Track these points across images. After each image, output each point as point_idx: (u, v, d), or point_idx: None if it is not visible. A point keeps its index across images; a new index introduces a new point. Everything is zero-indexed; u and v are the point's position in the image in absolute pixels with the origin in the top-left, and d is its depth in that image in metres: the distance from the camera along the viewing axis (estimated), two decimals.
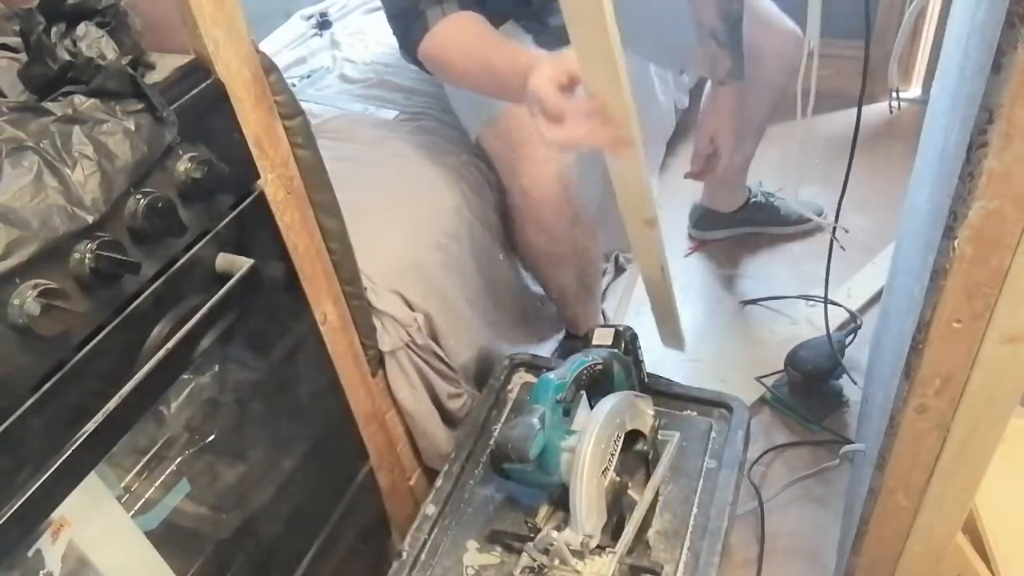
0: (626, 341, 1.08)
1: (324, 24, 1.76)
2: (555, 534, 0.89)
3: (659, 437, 1.01)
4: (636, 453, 0.96)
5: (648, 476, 0.98)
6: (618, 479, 0.92)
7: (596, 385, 1.01)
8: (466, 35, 1.15)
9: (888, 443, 0.82)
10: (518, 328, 1.46)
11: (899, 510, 0.88)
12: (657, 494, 0.99)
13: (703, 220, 1.92)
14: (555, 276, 1.41)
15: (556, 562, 0.90)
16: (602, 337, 1.08)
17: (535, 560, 0.91)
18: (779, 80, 1.55)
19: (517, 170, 1.26)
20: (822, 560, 1.30)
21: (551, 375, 0.96)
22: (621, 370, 1.04)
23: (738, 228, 1.92)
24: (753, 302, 1.77)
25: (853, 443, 1.31)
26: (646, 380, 1.12)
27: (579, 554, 0.89)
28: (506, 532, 0.98)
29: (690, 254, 1.92)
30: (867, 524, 0.93)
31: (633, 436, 0.97)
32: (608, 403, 0.94)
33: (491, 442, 1.10)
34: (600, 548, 0.90)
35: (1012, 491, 0.94)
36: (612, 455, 0.92)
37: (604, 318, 1.68)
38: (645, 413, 0.99)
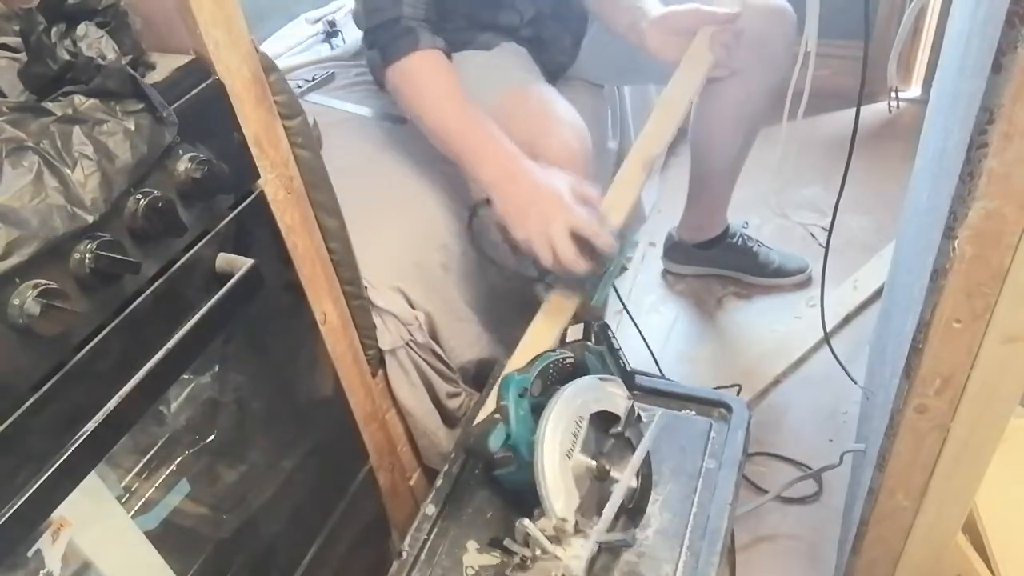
0: (595, 332, 1.08)
1: (332, 33, 1.76)
2: (527, 522, 0.88)
3: (641, 418, 1.00)
4: (619, 438, 0.95)
5: None
6: (594, 463, 0.92)
7: (571, 378, 1.01)
8: (434, 80, 1.13)
9: (888, 443, 0.83)
10: (519, 331, 1.45)
11: (899, 510, 0.88)
12: (651, 482, 0.98)
13: (673, 251, 1.84)
14: None
15: (537, 552, 0.89)
16: (573, 333, 1.09)
17: (517, 553, 0.91)
18: (767, 74, 1.40)
19: (544, 130, 1.22)
20: (822, 560, 1.30)
21: (514, 372, 0.97)
22: (596, 360, 1.04)
23: (707, 267, 1.83)
24: (752, 300, 1.78)
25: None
26: (628, 368, 1.12)
27: (556, 539, 0.88)
28: (499, 538, 0.98)
29: None
30: (867, 524, 0.93)
31: (610, 420, 0.97)
32: (566, 388, 0.94)
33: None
34: (581, 532, 0.90)
35: (1012, 491, 0.94)
36: (575, 436, 0.91)
37: None
38: (615, 395, 0.98)
